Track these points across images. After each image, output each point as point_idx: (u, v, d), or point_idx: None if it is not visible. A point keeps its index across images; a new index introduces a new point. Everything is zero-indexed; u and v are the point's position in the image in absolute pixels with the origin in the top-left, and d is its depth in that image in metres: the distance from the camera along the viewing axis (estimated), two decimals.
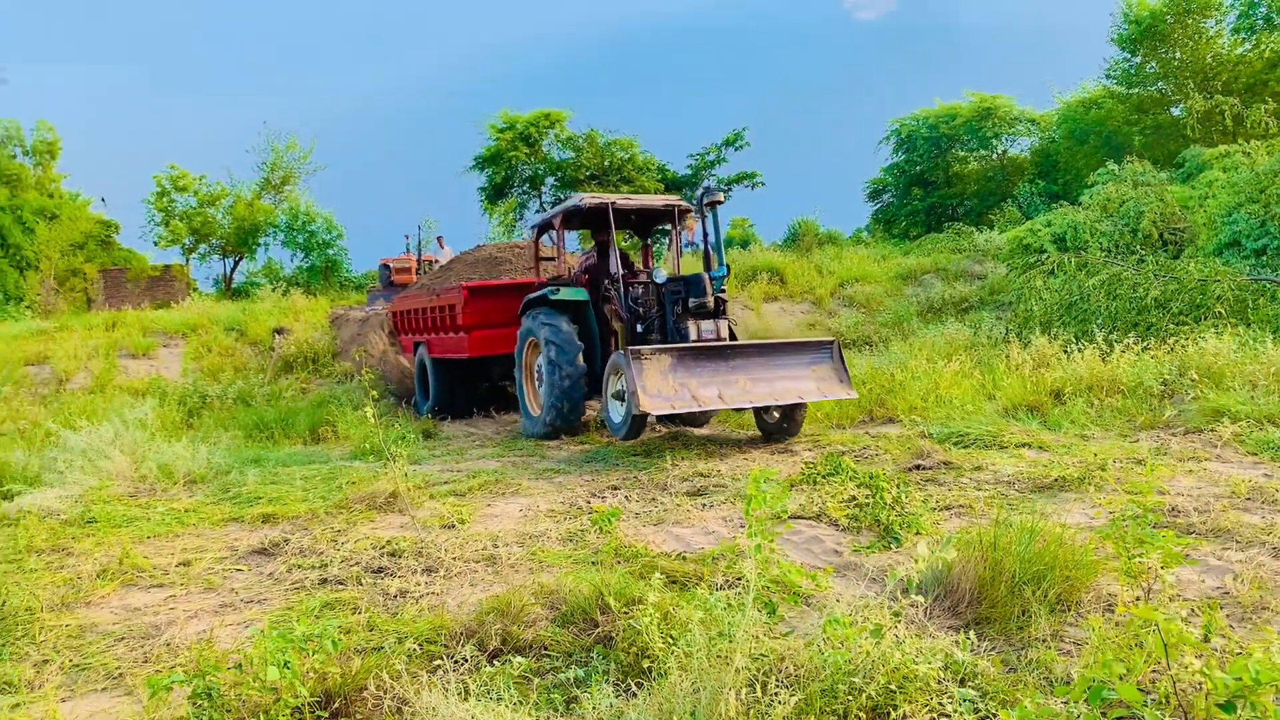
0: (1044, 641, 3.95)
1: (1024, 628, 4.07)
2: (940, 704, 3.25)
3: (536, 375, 11.09)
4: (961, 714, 3.20)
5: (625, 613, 4.25)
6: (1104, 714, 2.87)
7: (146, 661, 4.56)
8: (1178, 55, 28.93)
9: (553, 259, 12.54)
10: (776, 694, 3.07)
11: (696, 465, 8.31)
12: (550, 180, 37.60)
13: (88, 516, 7.53)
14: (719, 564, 5.25)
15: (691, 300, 9.77)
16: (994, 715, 3.29)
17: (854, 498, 6.35)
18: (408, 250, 28.35)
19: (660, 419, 11.17)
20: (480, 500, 7.58)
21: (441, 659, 3.95)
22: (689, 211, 11.12)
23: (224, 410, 13.50)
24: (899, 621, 3.42)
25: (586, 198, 10.74)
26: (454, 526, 6.61)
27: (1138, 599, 4.29)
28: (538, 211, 38.40)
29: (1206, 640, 3.94)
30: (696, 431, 11.15)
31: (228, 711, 3.39)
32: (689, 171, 37.22)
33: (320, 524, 6.99)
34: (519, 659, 3.87)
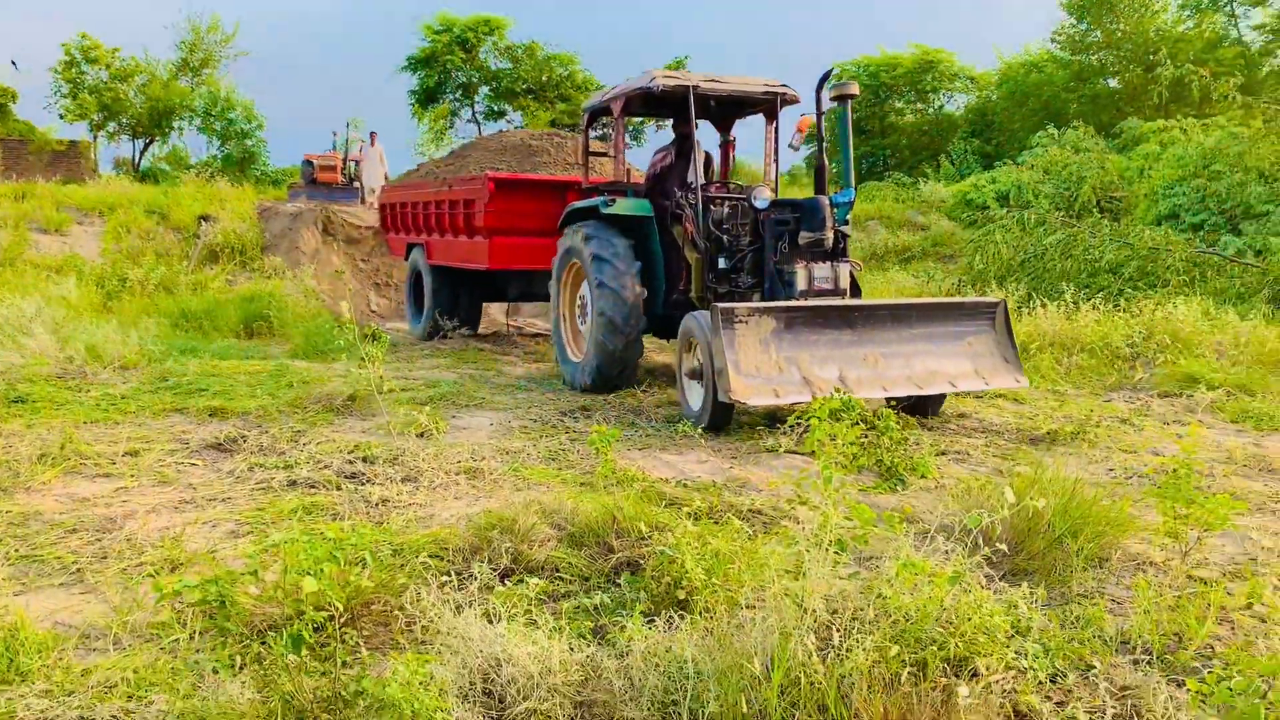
0: (1088, 597, 3.81)
1: (1064, 582, 3.94)
2: (1013, 657, 3.06)
3: (579, 307, 8.68)
4: (1035, 671, 3.02)
5: (647, 539, 3.97)
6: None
7: (106, 557, 4.16)
8: (1122, 26, 29.14)
9: (606, 154, 10.15)
10: (859, 639, 2.84)
11: (669, 392, 8.02)
12: (485, 89, 36.38)
13: (13, 395, 6.94)
14: (722, 493, 5.00)
15: (803, 234, 7.30)
16: (1062, 673, 3.13)
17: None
18: (334, 148, 27.21)
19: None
20: (444, 410, 7.20)
21: (449, 574, 3.63)
22: (795, 101, 8.47)
23: (145, 296, 12.69)
24: (971, 569, 3.21)
25: (659, 76, 7.99)
26: (425, 435, 6.24)
27: (1169, 560, 4.20)
28: (469, 121, 37.15)
29: (1250, 607, 3.88)
30: (660, 358, 10.05)
31: (233, 621, 3.04)
32: None
33: (275, 423, 6.56)
34: (534, 580, 3.55)
